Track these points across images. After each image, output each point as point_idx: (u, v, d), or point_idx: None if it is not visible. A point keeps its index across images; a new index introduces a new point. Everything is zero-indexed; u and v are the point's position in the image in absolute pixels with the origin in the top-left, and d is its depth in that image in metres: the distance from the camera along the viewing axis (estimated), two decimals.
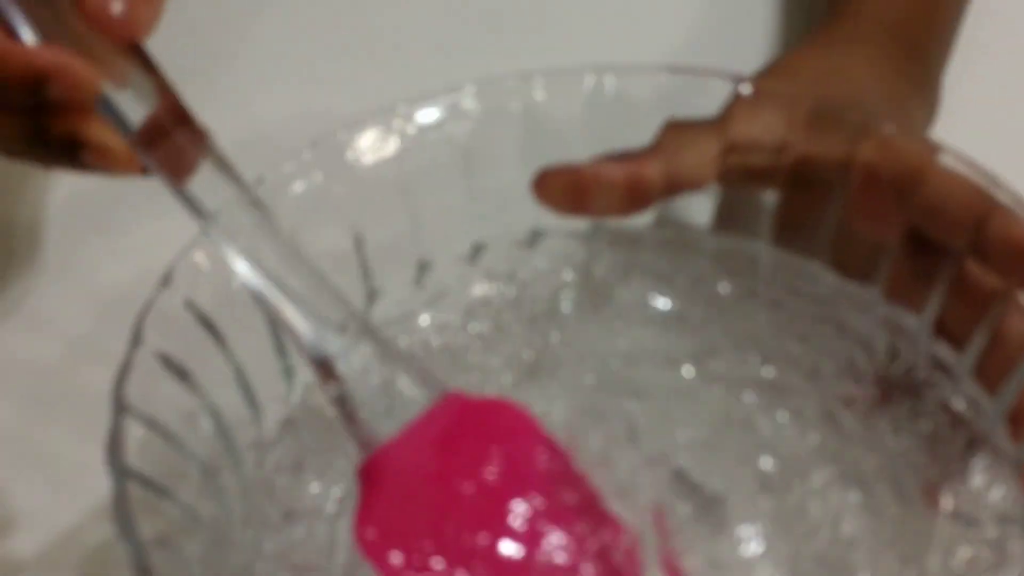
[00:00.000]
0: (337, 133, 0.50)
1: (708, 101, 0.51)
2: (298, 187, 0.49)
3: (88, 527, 0.52)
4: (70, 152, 0.47)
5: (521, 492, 0.45)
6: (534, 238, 0.53)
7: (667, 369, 0.52)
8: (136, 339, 0.44)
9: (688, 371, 0.52)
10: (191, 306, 0.46)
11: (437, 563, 0.44)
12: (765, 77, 0.58)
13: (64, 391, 0.56)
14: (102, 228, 0.63)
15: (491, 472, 0.45)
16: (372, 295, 0.51)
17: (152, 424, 0.43)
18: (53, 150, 0.47)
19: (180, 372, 0.45)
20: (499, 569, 0.44)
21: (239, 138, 0.47)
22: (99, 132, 0.46)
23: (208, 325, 0.46)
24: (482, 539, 0.45)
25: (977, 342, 0.48)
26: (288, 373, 0.49)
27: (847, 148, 0.49)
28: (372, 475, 0.44)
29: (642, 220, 0.54)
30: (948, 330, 0.49)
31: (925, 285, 0.49)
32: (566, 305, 0.53)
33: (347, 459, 0.47)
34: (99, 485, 0.44)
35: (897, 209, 0.49)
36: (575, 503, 0.46)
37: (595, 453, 0.48)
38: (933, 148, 0.48)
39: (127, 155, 0.45)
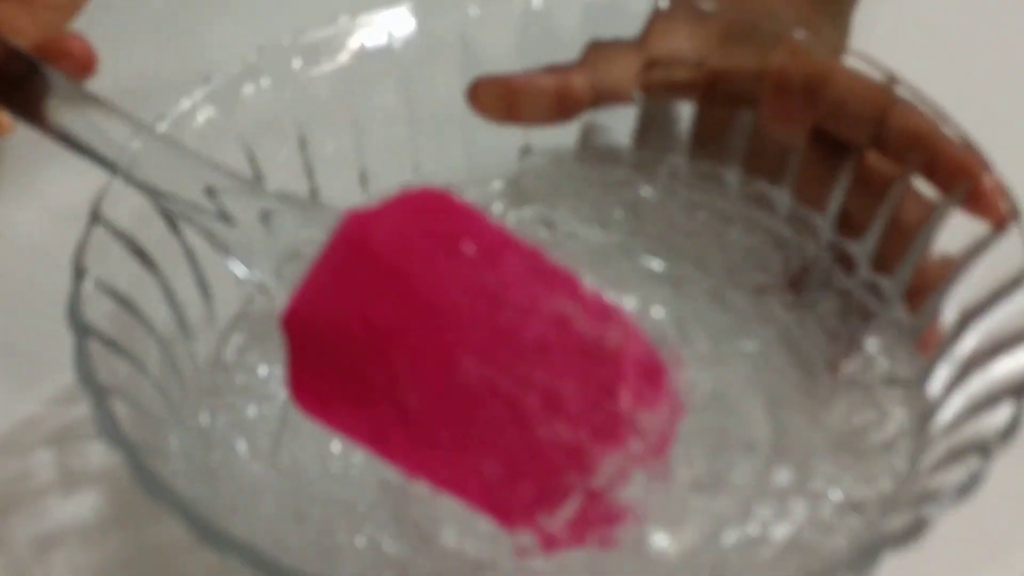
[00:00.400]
0: (284, 41, 0.53)
1: (631, 22, 0.55)
2: (247, 90, 0.52)
3: (49, 415, 0.54)
4: None
5: (462, 277, 0.45)
6: (469, 153, 0.56)
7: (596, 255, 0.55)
8: (94, 217, 0.47)
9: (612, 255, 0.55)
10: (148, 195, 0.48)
11: (378, 402, 0.45)
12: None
13: (23, 293, 0.58)
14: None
15: (425, 275, 0.45)
16: (315, 193, 0.54)
17: (109, 290, 0.46)
18: None
19: (136, 250, 0.48)
20: (446, 395, 0.45)
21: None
22: None
23: (166, 215, 0.49)
24: (426, 361, 0.45)
25: (876, 228, 0.52)
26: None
27: (759, 58, 0.53)
28: (295, 325, 0.45)
29: (568, 140, 0.57)
30: (850, 222, 0.52)
31: (829, 180, 0.53)
32: (497, 209, 0.56)
33: None
34: (60, 378, 0.49)
35: (805, 110, 0.52)
36: (520, 271, 0.46)
37: None
38: (838, 51, 0.52)
39: None
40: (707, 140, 0.56)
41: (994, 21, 0.70)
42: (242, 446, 0.49)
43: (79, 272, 0.46)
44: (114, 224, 0.48)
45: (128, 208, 0.48)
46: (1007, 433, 0.42)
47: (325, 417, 0.45)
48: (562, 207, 0.56)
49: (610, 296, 0.48)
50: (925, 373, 0.49)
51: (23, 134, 0.49)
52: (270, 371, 0.51)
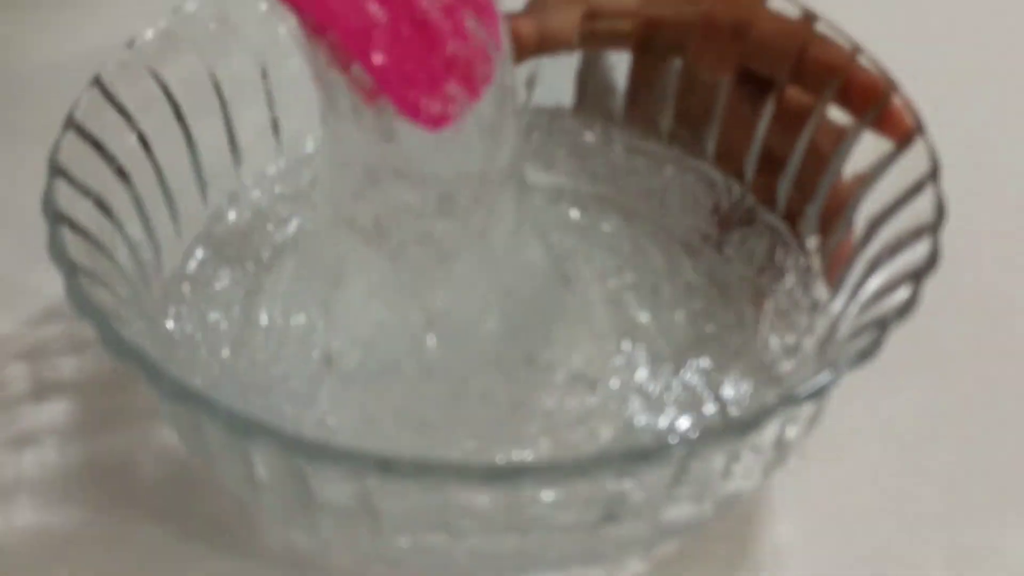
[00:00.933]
0: None
1: None
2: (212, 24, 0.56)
3: (23, 334, 0.57)
4: None
5: None
6: None
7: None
8: (68, 122, 0.50)
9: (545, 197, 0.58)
10: (122, 104, 0.52)
11: None
12: None
13: None
14: None
15: None
16: (275, 124, 0.58)
17: (83, 190, 0.49)
18: None
19: (109, 159, 0.51)
20: None
21: None
22: None
23: (135, 129, 0.52)
24: None
25: (795, 161, 0.55)
26: (203, 188, 0.56)
27: (689, 6, 0.57)
28: None
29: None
30: (771, 157, 0.56)
31: (753, 119, 0.56)
32: None
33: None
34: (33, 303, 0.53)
35: (731, 51, 0.56)
36: None
37: None
38: None
39: None
40: (642, 87, 0.59)
41: None
42: (202, 349, 0.52)
43: (54, 170, 0.48)
44: (88, 133, 0.50)
45: (101, 122, 0.51)
46: (905, 309, 0.45)
47: None
48: None
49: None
50: (835, 292, 0.52)
51: None
52: (230, 283, 0.54)
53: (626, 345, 0.53)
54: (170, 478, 0.53)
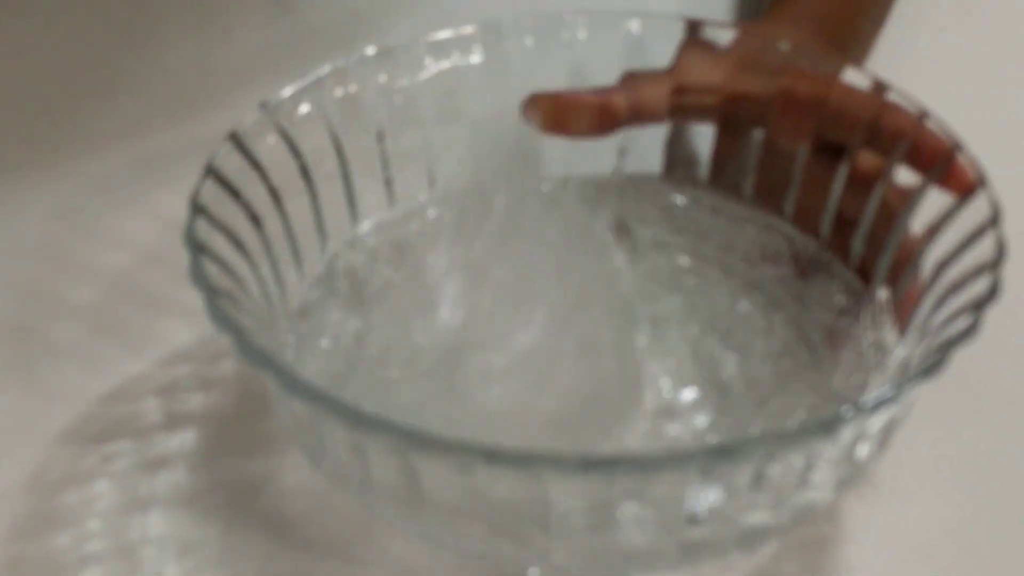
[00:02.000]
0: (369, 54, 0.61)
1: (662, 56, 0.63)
2: (338, 92, 0.60)
3: (157, 373, 0.62)
4: None
5: None
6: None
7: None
8: (207, 170, 0.54)
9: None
10: (255, 156, 0.56)
11: None
12: None
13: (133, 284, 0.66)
14: None
15: None
16: (389, 185, 0.62)
17: (221, 227, 0.53)
18: None
19: (244, 205, 0.55)
20: None
21: None
22: None
23: (266, 180, 0.57)
24: None
25: (866, 221, 0.59)
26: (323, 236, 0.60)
27: (770, 82, 0.61)
28: None
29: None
30: (845, 217, 0.60)
31: (828, 183, 0.60)
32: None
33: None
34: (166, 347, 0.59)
35: (809, 122, 0.60)
36: None
37: None
38: (837, 69, 0.59)
39: None
40: (725, 156, 0.63)
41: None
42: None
43: (195, 208, 0.52)
44: (226, 180, 0.54)
45: (236, 167, 0.55)
46: (967, 333, 0.48)
47: None
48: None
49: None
50: (904, 333, 0.55)
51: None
52: (341, 318, 0.58)
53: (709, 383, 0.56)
54: (289, 500, 0.56)
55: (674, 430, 0.55)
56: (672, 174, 0.64)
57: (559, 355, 0.55)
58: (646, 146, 0.64)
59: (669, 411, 0.56)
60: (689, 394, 0.56)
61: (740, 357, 0.58)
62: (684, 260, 0.62)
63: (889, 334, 0.57)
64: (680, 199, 0.64)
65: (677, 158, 0.64)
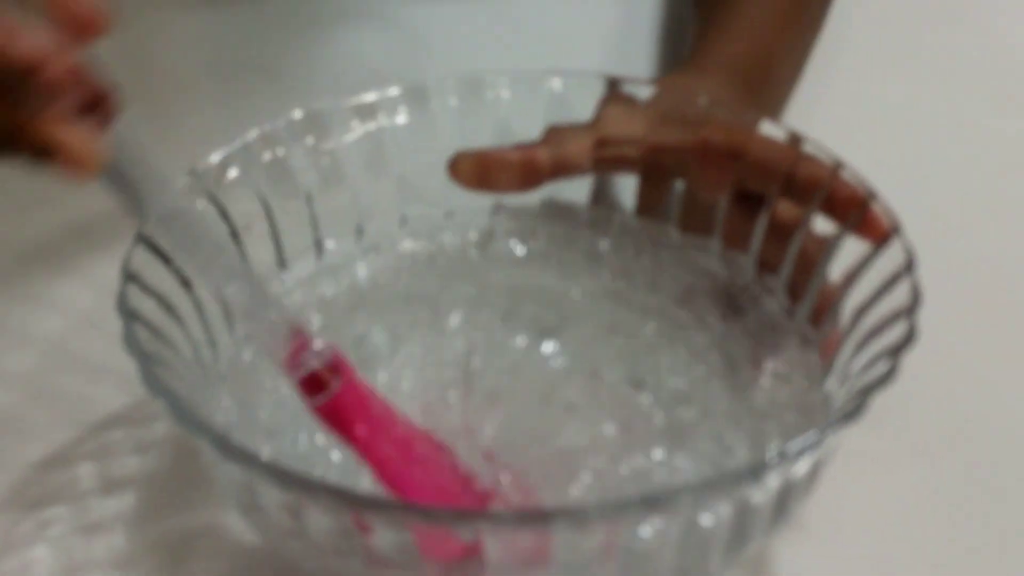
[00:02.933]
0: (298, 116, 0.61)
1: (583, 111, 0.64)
2: (266, 156, 0.61)
3: (90, 437, 0.62)
4: (38, 153, 0.48)
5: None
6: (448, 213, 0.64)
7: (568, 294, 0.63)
8: (137, 238, 0.54)
9: (577, 294, 0.63)
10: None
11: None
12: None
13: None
14: None
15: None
16: (319, 244, 0.63)
17: (151, 292, 0.54)
18: (21, 149, 0.48)
19: (174, 270, 0.55)
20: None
21: None
22: (76, 137, 0.47)
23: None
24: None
25: (787, 264, 0.59)
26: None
27: (690, 134, 0.62)
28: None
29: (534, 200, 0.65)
30: (767, 259, 0.60)
31: (749, 228, 0.61)
32: (473, 254, 0.64)
33: None
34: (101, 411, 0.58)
35: (727, 173, 0.60)
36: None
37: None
38: (754, 122, 0.60)
39: (95, 161, 0.48)
40: (649, 206, 0.64)
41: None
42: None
43: (127, 275, 0.53)
44: (156, 246, 0.55)
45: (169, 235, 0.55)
46: (885, 379, 0.48)
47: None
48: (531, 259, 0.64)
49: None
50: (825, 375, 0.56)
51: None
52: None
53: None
54: (224, 558, 0.56)
55: (605, 468, 0.55)
56: (596, 217, 0.65)
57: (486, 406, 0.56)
58: (571, 196, 0.65)
59: (593, 450, 0.56)
60: (610, 429, 0.57)
61: (664, 395, 0.58)
62: (608, 302, 0.62)
63: (813, 373, 0.57)
64: (606, 245, 0.64)
65: (602, 202, 0.65)
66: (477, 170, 0.61)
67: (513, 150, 0.62)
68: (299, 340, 0.51)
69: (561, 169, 0.63)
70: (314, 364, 0.51)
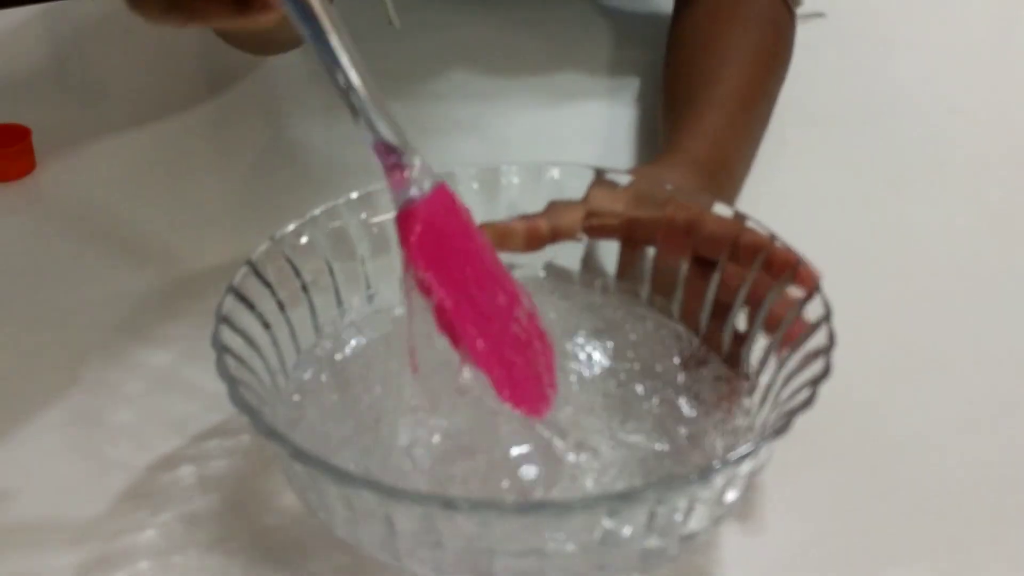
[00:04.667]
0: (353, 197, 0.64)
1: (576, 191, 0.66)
2: (330, 226, 0.63)
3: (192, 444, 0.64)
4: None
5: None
6: None
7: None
8: (229, 289, 0.57)
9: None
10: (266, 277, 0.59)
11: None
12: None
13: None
14: None
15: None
16: (370, 297, 0.65)
17: (239, 331, 0.56)
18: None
19: (257, 314, 0.58)
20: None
21: None
22: None
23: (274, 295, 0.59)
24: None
25: (734, 314, 0.61)
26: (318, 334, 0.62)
27: (658, 211, 0.64)
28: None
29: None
30: (719, 311, 0.62)
31: (704, 289, 0.62)
32: None
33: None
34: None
35: (686, 243, 0.63)
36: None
37: None
38: (709, 203, 0.62)
39: None
40: (627, 267, 0.66)
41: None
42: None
43: (220, 318, 0.55)
44: (243, 294, 0.57)
45: (253, 287, 0.58)
46: (805, 404, 0.50)
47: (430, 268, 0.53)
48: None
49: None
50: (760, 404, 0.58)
51: None
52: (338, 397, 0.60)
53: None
54: (291, 545, 0.57)
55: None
56: (586, 279, 0.66)
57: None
58: (566, 259, 0.66)
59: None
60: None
61: (635, 423, 0.59)
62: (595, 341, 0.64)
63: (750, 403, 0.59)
64: (595, 298, 0.65)
65: (590, 268, 0.66)
66: (494, 236, 0.63)
67: (520, 220, 0.64)
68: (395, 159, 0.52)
69: (558, 235, 0.65)
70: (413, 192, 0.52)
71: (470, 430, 0.55)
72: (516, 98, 0.92)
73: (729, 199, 0.72)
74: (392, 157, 0.52)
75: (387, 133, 0.52)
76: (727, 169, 0.74)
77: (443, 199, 0.54)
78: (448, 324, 0.53)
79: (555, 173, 0.65)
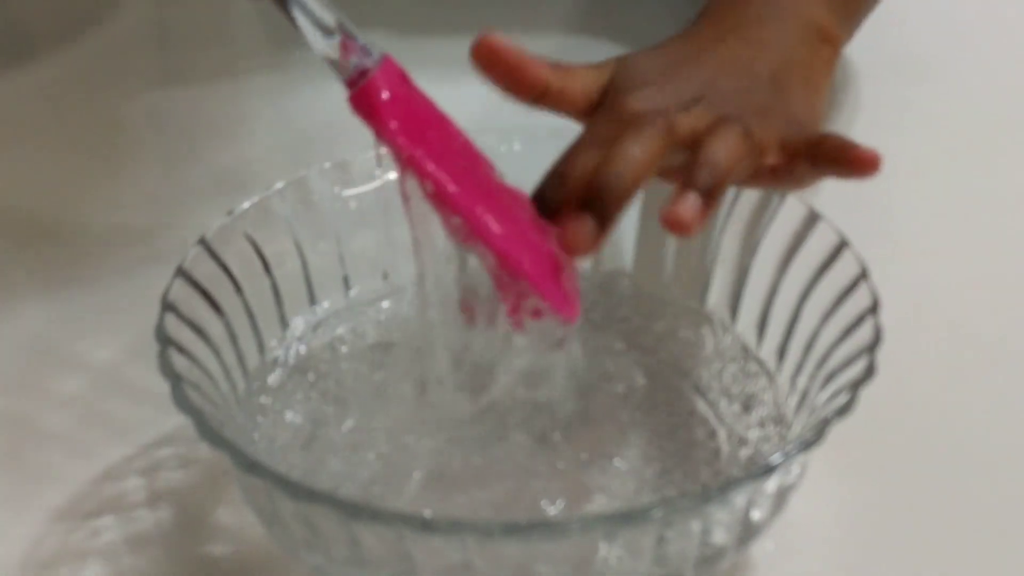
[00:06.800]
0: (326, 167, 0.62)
1: None
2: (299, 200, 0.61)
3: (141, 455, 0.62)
4: None
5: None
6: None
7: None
8: (177, 271, 0.55)
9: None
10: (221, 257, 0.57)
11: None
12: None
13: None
14: None
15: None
16: (347, 280, 0.63)
17: (187, 321, 0.54)
18: None
19: (210, 300, 0.56)
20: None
21: None
22: None
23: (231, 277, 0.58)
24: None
25: None
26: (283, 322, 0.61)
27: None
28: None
29: None
30: None
31: None
32: None
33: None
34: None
35: None
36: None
37: None
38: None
39: None
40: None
41: None
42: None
43: (165, 305, 0.53)
44: (194, 279, 0.56)
45: (206, 270, 0.57)
46: (844, 410, 0.49)
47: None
48: None
49: None
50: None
51: None
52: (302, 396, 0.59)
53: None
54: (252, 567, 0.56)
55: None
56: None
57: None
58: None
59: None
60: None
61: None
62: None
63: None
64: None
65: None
66: (489, 51, 0.58)
67: (532, 59, 0.59)
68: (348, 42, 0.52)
69: (558, 98, 0.60)
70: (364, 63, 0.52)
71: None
72: None
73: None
74: (337, 38, 0.52)
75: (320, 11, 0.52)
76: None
77: (395, 71, 0.53)
78: (457, 209, 0.52)
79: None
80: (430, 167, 0.52)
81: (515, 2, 0.88)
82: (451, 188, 0.52)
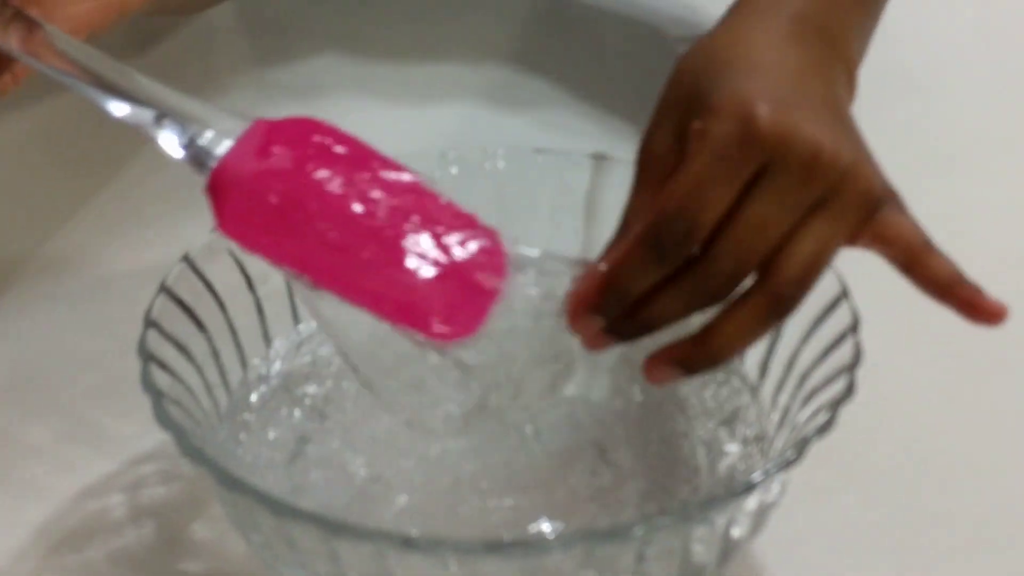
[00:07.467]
0: None
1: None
2: None
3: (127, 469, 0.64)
4: None
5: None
6: None
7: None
8: (161, 288, 0.57)
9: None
10: (204, 274, 0.59)
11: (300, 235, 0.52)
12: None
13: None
14: None
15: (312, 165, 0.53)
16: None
17: (170, 339, 0.56)
18: None
19: (193, 318, 0.58)
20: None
21: None
22: None
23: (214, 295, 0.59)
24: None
25: None
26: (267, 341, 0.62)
27: None
28: (218, 186, 0.52)
29: None
30: None
31: None
32: None
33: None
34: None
35: None
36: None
37: None
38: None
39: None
40: None
41: None
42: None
43: (148, 322, 0.55)
44: (176, 296, 0.57)
45: (188, 289, 0.58)
46: (823, 428, 0.50)
47: (254, 245, 0.52)
48: None
49: None
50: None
51: None
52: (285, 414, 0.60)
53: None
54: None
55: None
56: None
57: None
58: None
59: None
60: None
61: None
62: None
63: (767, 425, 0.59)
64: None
65: None
66: None
67: None
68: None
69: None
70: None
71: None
72: None
73: (849, 68, 0.59)
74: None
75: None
76: (839, 20, 0.59)
77: (257, 135, 0.53)
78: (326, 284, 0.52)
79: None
80: (270, 256, 0.52)
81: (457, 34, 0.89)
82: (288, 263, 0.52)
